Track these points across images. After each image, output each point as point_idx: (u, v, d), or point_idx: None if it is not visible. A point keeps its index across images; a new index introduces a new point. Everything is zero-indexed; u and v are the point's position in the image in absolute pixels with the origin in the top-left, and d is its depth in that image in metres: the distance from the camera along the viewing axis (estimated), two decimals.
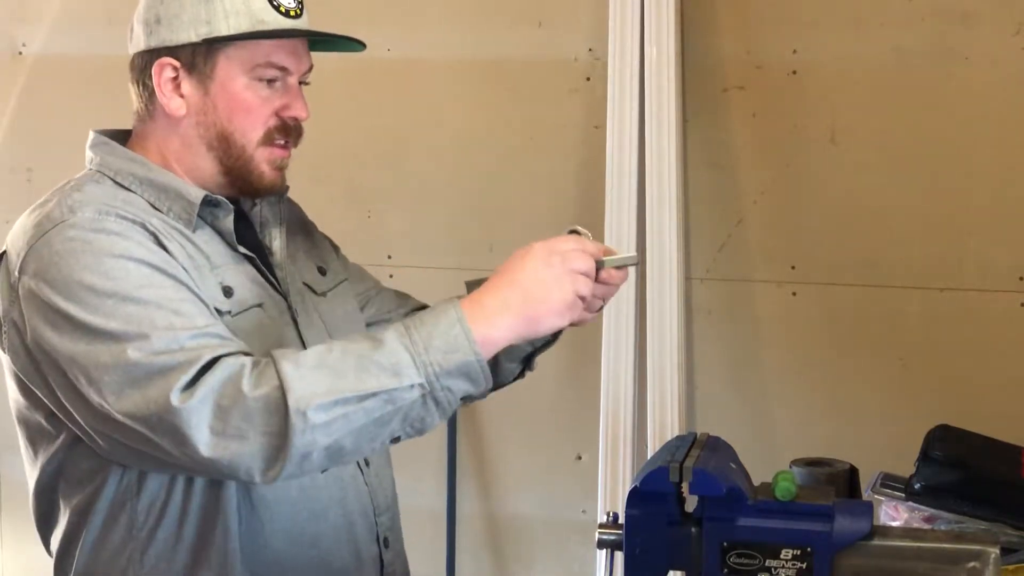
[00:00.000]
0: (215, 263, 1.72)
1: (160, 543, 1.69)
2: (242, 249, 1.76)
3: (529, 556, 3.33)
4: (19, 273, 1.64)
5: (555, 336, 1.90)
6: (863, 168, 3.00)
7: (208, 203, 1.74)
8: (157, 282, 1.60)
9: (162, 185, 1.73)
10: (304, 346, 1.77)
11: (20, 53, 3.52)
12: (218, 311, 1.67)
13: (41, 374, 1.64)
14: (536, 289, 1.60)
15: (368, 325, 2.00)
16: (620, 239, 3.04)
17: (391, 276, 3.11)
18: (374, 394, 1.52)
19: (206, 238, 1.74)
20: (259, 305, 1.74)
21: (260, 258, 1.80)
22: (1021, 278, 2.93)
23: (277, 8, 1.73)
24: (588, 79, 3.15)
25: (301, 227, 1.97)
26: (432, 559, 3.32)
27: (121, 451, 1.64)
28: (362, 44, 1.83)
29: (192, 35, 1.71)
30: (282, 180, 1.80)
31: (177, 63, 1.72)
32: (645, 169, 3.03)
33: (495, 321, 1.58)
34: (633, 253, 1.74)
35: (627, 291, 3.05)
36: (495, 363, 1.92)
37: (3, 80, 3.54)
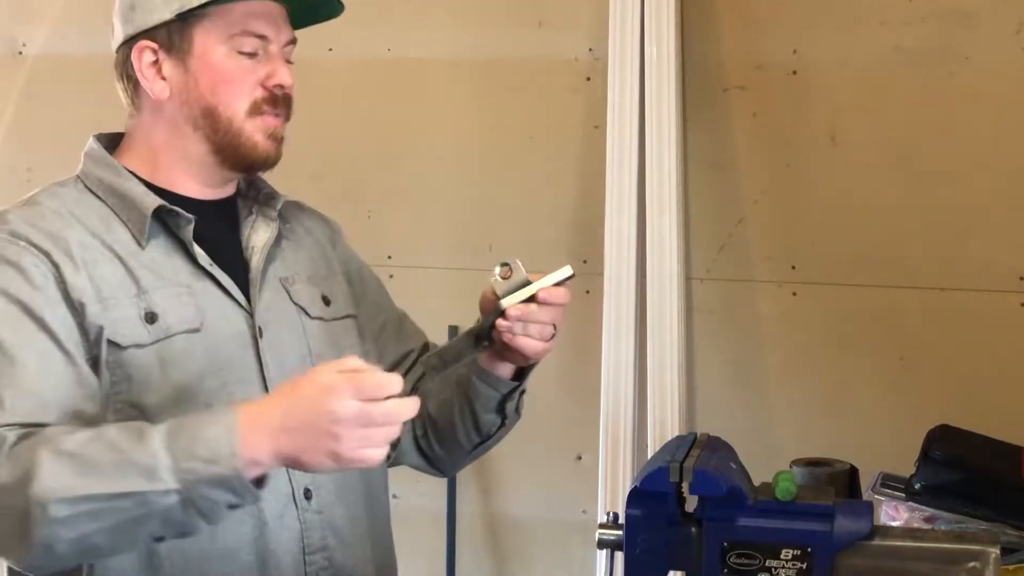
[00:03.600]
0: (147, 287, 1.67)
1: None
2: (203, 262, 1.72)
3: (529, 556, 3.33)
4: None
5: (521, 381, 1.85)
6: (863, 168, 3.00)
7: (167, 212, 1.71)
8: (17, 323, 1.59)
9: (122, 193, 1.72)
10: (262, 368, 1.72)
11: (20, 53, 3.52)
12: (118, 345, 1.62)
13: None
14: (309, 441, 1.46)
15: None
16: (620, 239, 3.05)
17: (391, 276, 3.10)
18: (125, 495, 1.46)
19: (158, 252, 1.70)
20: (195, 330, 1.68)
21: (237, 271, 1.76)
22: (1021, 278, 2.93)
23: None
24: (588, 79, 3.15)
25: (318, 251, 1.91)
26: (432, 559, 3.32)
27: None
28: (340, 4, 1.80)
29: (165, 13, 1.70)
30: (277, 151, 1.76)
31: (155, 45, 1.72)
32: (645, 169, 3.03)
33: (264, 447, 1.47)
34: (566, 267, 1.70)
35: (627, 291, 3.05)
36: (474, 417, 1.87)
37: (3, 80, 3.54)
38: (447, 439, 1.93)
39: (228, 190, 1.82)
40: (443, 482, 3.30)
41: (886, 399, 3.01)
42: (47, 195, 1.73)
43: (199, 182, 1.77)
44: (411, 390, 1.86)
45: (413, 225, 3.30)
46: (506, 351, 1.74)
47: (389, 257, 3.26)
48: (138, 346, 1.65)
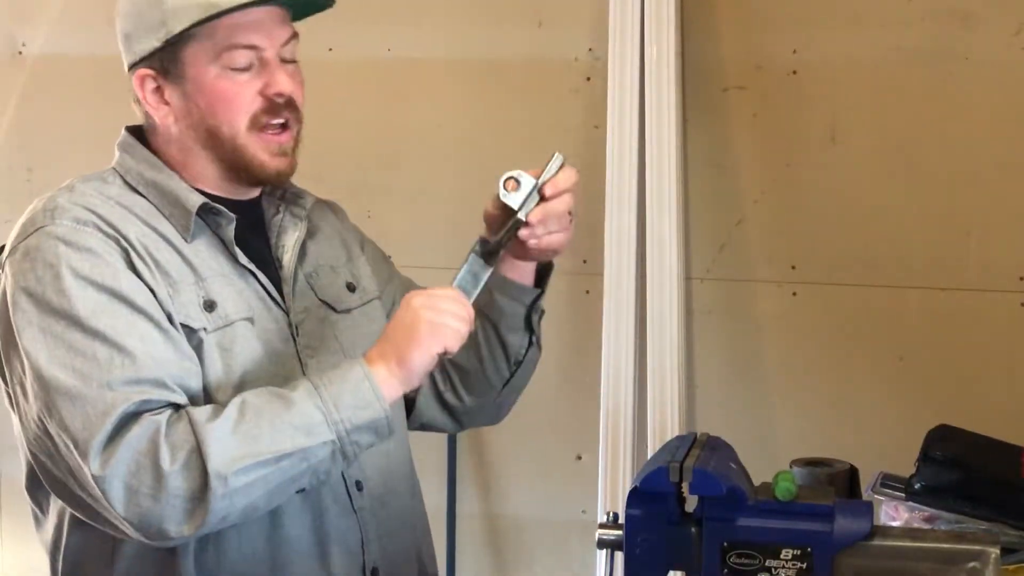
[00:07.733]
0: (203, 275, 1.70)
1: (127, 558, 1.69)
2: (243, 260, 1.74)
3: (529, 556, 3.33)
4: (1, 271, 1.67)
5: (542, 287, 1.91)
6: (863, 168, 3.00)
7: (209, 211, 1.72)
8: (113, 310, 1.60)
9: (165, 189, 1.72)
10: (302, 365, 1.75)
11: (20, 53, 3.52)
12: (190, 328, 1.66)
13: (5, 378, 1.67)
14: (406, 335, 1.66)
15: None
16: (620, 239, 3.05)
17: None
18: (290, 454, 1.57)
19: (202, 247, 1.72)
20: (247, 319, 1.72)
21: (270, 270, 1.78)
22: (1021, 278, 2.93)
23: None
24: (588, 79, 3.15)
25: (337, 237, 1.94)
26: None
27: (47, 478, 1.66)
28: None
29: (154, 41, 1.69)
30: (288, 165, 1.76)
31: (153, 72, 1.72)
32: (645, 169, 3.03)
33: (395, 383, 1.65)
34: (555, 154, 1.76)
35: (627, 291, 3.05)
36: (503, 343, 1.93)
37: (3, 80, 3.53)
38: (475, 381, 1.97)
39: (254, 192, 1.83)
40: (443, 482, 3.31)
41: (886, 399, 3.02)
42: (91, 183, 1.72)
43: (224, 191, 1.78)
44: None
45: (413, 225, 3.30)
46: (532, 253, 1.83)
47: (389, 257, 3.26)
48: (204, 330, 1.68)
